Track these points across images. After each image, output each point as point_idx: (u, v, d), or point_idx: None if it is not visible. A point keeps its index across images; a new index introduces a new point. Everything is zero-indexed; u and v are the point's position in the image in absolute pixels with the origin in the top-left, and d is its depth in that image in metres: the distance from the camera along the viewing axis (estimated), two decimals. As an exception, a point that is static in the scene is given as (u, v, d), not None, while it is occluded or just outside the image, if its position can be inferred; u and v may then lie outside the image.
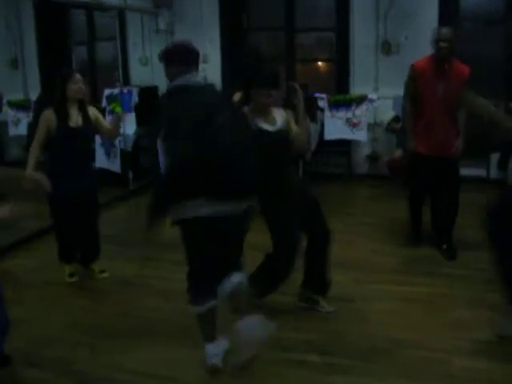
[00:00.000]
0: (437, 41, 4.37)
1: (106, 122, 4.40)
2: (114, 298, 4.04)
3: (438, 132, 4.45)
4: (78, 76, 4.02)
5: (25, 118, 7.74)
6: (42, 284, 4.27)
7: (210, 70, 7.29)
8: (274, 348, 3.12)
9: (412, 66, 4.56)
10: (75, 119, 4.02)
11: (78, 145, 4.06)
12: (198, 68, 2.89)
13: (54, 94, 4.02)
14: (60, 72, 4.08)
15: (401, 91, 4.73)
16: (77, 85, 3.98)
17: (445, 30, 4.43)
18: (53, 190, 3.39)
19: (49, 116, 3.96)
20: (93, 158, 4.30)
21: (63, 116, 3.96)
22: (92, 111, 4.19)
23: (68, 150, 4.00)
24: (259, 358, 2.91)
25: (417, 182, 4.76)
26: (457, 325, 3.41)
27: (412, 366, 3.00)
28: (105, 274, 4.39)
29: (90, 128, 4.16)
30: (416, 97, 4.52)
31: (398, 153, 5.96)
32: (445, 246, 4.58)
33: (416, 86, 4.49)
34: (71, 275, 4.34)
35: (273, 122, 3.25)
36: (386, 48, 6.80)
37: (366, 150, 7.17)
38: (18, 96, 7.95)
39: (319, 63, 7.81)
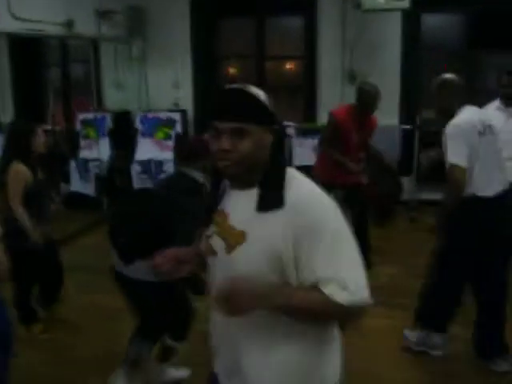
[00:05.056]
0: (375, 99, 4.83)
1: None
2: (94, 332, 4.15)
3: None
4: (40, 130, 4.04)
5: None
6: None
7: (182, 97, 7.54)
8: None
9: (332, 114, 5.02)
10: (40, 172, 4.06)
11: (45, 197, 4.10)
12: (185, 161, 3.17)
13: (19, 148, 3.94)
14: (21, 125, 4.09)
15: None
16: (41, 139, 4.00)
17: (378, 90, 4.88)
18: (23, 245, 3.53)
19: (24, 171, 3.90)
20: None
21: (35, 169, 3.96)
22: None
23: (37, 202, 3.95)
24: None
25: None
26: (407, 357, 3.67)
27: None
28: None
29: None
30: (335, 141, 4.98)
31: (364, 180, 6.26)
32: None
33: (336, 133, 4.94)
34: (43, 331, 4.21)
35: None
36: (352, 77, 7.09)
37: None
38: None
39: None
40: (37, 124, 4.17)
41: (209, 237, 1.66)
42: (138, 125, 7.44)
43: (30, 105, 8.20)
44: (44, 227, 4.01)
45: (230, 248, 1.56)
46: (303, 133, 7.01)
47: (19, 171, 3.88)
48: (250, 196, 1.55)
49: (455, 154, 3.19)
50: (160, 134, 7.32)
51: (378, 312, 4.26)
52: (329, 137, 5.06)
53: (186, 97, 7.51)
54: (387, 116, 6.86)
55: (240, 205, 1.58)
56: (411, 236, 5.84)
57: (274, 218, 1.49)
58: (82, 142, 7.47)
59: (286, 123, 7.12)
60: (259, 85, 1.61)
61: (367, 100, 4.85)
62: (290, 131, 7.06)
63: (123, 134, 7.44)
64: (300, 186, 1.55)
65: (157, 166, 7.07)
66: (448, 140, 3.24)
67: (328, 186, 4.83)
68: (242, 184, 1.59)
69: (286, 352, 1.59)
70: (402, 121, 7.09)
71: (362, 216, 5.22)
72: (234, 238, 1.55)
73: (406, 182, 6.78)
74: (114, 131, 7.38)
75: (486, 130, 3.27)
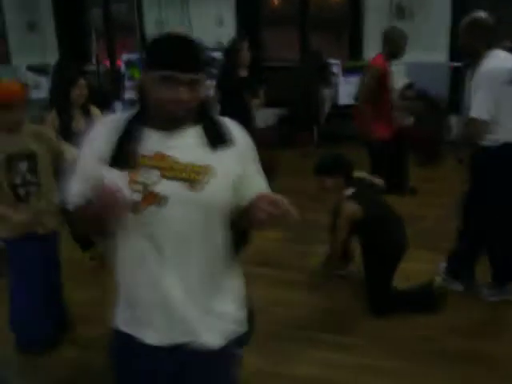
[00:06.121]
0: (406, 43, 4.76)
1: None
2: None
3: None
4: (82, 81, 4.06)
5: (45, 82, 7.94)
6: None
7: (225, 34, 7.41)
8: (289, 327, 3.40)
9: (374, 67, 4.85)
10: (78, 122, 4.04)
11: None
12: None
13: (57, 97, 4.07)
14: (64, 74, 4.15)
15: (415, 57, 5.40)
16: (80, 90, 4.03)
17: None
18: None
19: (52, 120, 3.99)
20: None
21: (65, 119, 3.99)
22: (94, 112, 4.18)
23: None
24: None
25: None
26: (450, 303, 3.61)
27: (405, 345, 3.20)
28: None
29: None
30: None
31: (410, 120, 6.11)
32: None
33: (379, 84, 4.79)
34: (92, 259, 4.39)
35: None
36: (400, 12, 6.82)
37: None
38: (36, 59, 8.12)
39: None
40: (80, 75, 4.17)
41: (150, 185, 1.57)
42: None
43: (74, 46, 8.25)
44: None
45: (196, 185, 1.58)
46: (349, 70, 6.82)
47: (48, 122, 3.96)
48: (193, 135, 1.63)
49: (477, 107, 3.23)
50: (203, 73, 7.25)
51: (423, 256, 4.22)
52: (373, 91, 4.82)
53: (229, 34, 7.36)
54: (436, 53, 6.64)
55: (186, 144, 1.62)
56: (459, 177, 5.69)
57: (228, 152, 1.64)
58: (127, 83, 7.49)
59: (330, 60, 6.98)
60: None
61: (400, 45, 4.75)
62: (335, 69, 6.89)
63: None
64: (229, 123, 1.71)
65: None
66: (473, 89, 3.26)
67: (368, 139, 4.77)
68: (179, 124, 1.61)
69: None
70: (452, 58, 6.81)
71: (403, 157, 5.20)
72: (201, 174, 1.59)
73: (455, 122, 6.59)
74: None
75: None
